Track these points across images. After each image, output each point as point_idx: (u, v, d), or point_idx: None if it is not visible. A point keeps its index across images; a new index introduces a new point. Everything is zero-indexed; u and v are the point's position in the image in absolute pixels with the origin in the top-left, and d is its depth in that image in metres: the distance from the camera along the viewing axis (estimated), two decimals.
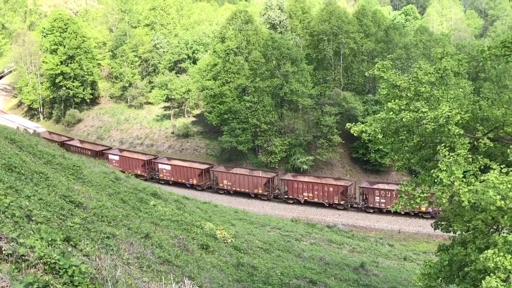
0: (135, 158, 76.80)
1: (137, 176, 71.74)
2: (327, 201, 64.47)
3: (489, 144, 14.95)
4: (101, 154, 77.31)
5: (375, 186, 64.04)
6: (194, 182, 71.01)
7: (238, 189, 68.64)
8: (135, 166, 74.95)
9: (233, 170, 71.20)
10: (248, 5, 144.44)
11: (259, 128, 76.22)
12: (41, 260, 8.88)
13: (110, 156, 76.55)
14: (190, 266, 17.42)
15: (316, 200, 65.03)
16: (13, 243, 9.00)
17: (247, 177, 68.49)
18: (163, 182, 72.02)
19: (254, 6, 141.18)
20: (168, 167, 73.08)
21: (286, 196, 66.97)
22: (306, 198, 65.37)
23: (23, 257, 8.77)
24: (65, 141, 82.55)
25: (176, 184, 71.80)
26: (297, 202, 66.04)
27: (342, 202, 64.08)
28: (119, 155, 77.10)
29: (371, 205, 62.64)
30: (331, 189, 64.47)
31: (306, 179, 67.94)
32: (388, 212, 61.41)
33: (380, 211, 62.55)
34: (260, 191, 67.18)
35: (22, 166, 20.12)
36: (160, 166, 73.77)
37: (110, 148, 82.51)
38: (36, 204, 14.04)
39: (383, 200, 61.78)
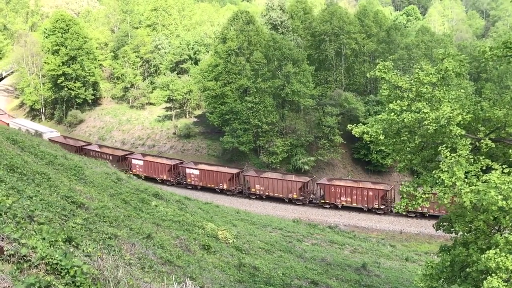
0: (161, 162, 74.82)
1: (162, 181, 71.78)
2: (366, 205, 63.15)
3: (490, 144, 14.94)
4: (123, 159, 76.19)
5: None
6: (225, 187, 69.15)
7: (271, 194, 66.86)
8: (160, 171, 73.59)
9: (264, 174, 69.49)
10: (250, 5, 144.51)
11: (260, 128, 76.21)
12: (43, 261, 8.89)
13: (134, 161, 75.31)
14: (192, 266, 17.44)
15: (354, 204, 63.74)
16: (15, 244, 9.02)
17: (281, 182, 66.64)
18: (190, 187, 71.02)
19: (255, 6, 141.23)
20: (197, 172, 70.98)
21: (323, 201, 65.62)
22: (344, 203, 64.23)
23: (25, 258, 8.78)
24: (83, 146, 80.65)
25: (204, 189, 70.38)
26: (334, 207, 65.00)
27: (382, 207, 62.77)
28: (143, 160, 75.39)
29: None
30: (370, 193, 63.05)
31: (343, 183, 66.59)
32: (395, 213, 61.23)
33: (422, 215, 60.78)
34: (295, 196, 65.37)
35: (24, 166, 20.15)
36: (188, 171, 71.73)
37: (132, 153, 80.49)
38: (38, 205, 14.06)
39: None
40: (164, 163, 74.52)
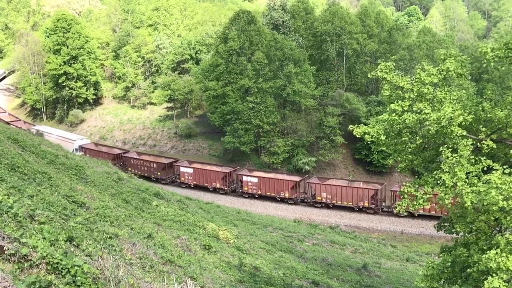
0: (214, 170, 71.31)
1: (215, 190, 69.39)
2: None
3: (492, 145, 14.94)
4: (169, 167, 73.87)
5: None
6: (286, 195, 66.19)
7: (339, 202, 64.03)
8: (213, 179, 70.13)
9: (329, 181, 66.66)
10: (251, 5, 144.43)
11: (261, 128, 76.19)
12: (44, 260, 8.90)
13: (182, 169, 72.18)
14: (193, 266, 17.43)
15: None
16: (16, 243, 9.02)
17: (350, 189, 63.85)
18: (247, 196, 68.39)
19: (257, 6, 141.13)
20: (255, 179, 67.78)
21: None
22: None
23: (25, 257, 8.79)
24: (122, 153, 78.01)
25: (262, 197, 67.67)
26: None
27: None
28: (192, 168, 71.81)
29: None
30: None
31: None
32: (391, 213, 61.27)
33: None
34: (366, 204, 63.00)
35: (25, 166, 20.17)
36: (244, 178, 68.46)
37: (177, 160, 76.38)
38: (39, 204, 14.07)
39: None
40: (218, 170, 71.30)
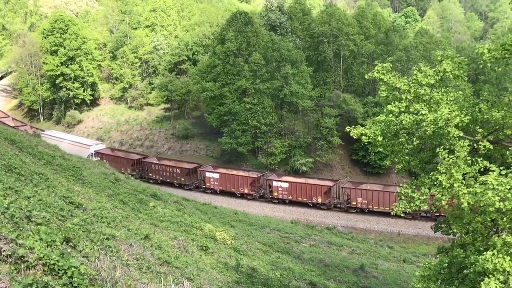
0: (242, 175, 69.92)
1: (242, 195, 68.26)
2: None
3: (488, 146, 14.96)
4: (193, 172, 72.33)
5: None
6: (319, 201, 64.74)
7: (375, 208, 62.70)
8: (241, 184, 68.58)
9: (363, 186, 65.73)
10: (248, 6, 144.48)
11: (259, 129, 76.26)
12: (41, 261, 8.89)
13: (208, 174, 70.54)
14: (190, 267, 17.41)
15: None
16: (13, 244, 9.01)
17: (386, 194, 62.02)
18: (277, 202, 66.97)
19: (254, 7, 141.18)
20: (285, 185, 66.43)
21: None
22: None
23: (22, 258, 8.78)
24: (141, 158, 76.37)
25: (292, 203, 66.20)
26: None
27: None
28: (218, 173, 70.27)
29: None
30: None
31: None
32: (388, 214, 61.27)
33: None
34: (246, 191, 64.53)
35: (22, 167, 20.13)
36: (274, 184, 67.29)
37: (200, 165, 74.43)
38: (36, 205, 14.03)
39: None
40: (246, 175, 69.91)
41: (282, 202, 66.62)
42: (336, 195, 66.46)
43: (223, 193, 69.28)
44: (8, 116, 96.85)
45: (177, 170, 71.71)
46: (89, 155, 72.87)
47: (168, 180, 71.35)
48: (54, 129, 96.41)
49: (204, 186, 70.50)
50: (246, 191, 68.15)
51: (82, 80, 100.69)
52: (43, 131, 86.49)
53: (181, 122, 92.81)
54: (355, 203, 63.27)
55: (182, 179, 71.37)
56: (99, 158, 72.58)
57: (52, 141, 69.98)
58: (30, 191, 15.91)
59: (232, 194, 68.87)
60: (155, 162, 74.81)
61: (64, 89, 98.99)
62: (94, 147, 77.68)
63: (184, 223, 27.67)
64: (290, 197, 65.91)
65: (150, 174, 72.11)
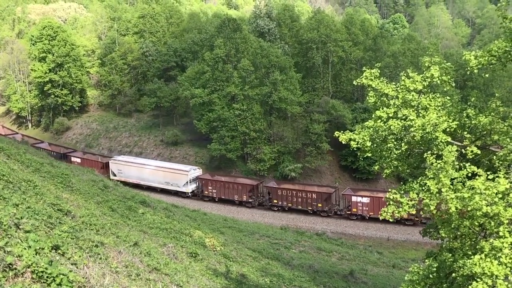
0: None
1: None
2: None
3: (476, 151, 15.07)
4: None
5: None
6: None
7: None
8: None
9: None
10: (237, 13, 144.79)
11: (248, 136, 76.27)
12: (29, 269, 8.84)
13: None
14: (179, 274, 17.37)
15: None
16: (1, 252, 8.96)
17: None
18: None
19: (243, 14, 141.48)
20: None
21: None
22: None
23: (10, 266, 8.72)
24: (259, 183, 71.19)
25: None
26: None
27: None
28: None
29: None
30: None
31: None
32: (377, 220, 61.37)
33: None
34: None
35: (10, 174, 20.00)
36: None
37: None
38: (24, 213, 13.95)
39: None
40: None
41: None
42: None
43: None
44: (17, 133, 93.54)
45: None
46: (187, 182, 70.51)
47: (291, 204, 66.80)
48: (42, 136, 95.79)
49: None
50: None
51: (70, 87, 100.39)
52: (110, 157, 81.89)
53: (170, 128, 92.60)
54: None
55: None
56: (200, 185, 70.98)
57: (130, 168, 71.63)
58: (18, 198, 15.82)
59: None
60: (274, 186, 69.21)
61: (53, 96, 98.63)
62: (193, 172, 72.21)
63: (174, 230, 27.63)
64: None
65: (275, 200, 67.32)
